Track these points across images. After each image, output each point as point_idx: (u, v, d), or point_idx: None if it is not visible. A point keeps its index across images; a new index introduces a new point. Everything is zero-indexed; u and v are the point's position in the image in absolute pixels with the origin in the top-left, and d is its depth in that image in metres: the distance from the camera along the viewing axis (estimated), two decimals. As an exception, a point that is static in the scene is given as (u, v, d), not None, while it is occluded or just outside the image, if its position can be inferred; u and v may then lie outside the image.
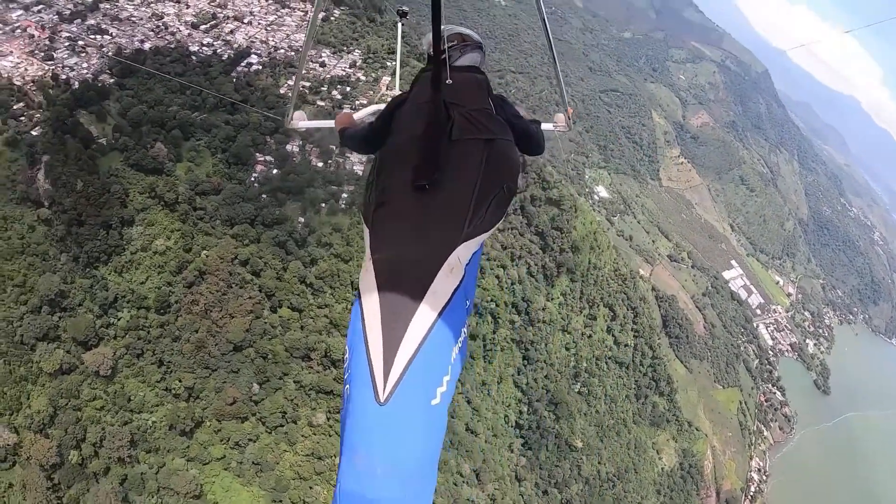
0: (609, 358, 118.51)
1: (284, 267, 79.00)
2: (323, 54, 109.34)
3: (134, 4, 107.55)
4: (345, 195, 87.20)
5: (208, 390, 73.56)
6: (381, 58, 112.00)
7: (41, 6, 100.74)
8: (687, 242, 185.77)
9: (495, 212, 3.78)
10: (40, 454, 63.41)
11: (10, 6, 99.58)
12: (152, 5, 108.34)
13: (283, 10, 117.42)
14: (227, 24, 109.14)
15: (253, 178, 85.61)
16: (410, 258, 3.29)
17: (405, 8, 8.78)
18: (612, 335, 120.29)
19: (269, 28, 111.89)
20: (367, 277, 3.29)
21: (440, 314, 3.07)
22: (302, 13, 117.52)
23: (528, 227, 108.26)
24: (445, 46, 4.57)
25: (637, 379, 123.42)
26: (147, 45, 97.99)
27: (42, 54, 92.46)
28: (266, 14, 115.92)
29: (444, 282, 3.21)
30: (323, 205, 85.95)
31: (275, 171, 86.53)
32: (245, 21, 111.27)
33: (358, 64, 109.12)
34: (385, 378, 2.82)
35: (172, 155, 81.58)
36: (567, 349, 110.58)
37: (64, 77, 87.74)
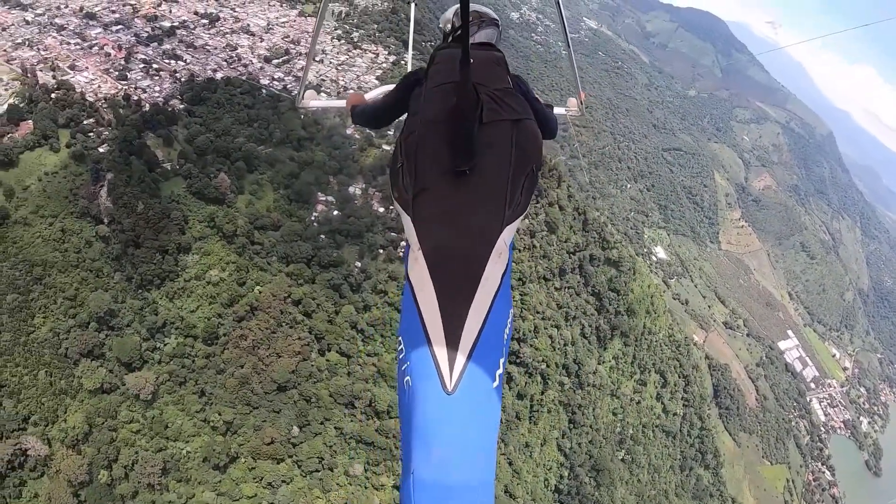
0: (656, 426, 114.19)
1: (337, 310, 77.41)
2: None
3: (209, 34, 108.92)
4: (403, 243, 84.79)
5: (247, 427, 71.66)
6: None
7: (120, 26, 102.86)
8: (743, 309, 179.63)
9: (528, 192, 3.73)
10: (70, 469, 63.01)
11: (90, 23, 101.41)
12: (227, 36, 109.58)
13: (354, 52, 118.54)
14: (298, 60, 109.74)
15: (313, 218, 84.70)
16: (461, 247, 3.25)
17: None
18: (662, 403, 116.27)
19: (339, 68, 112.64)
20: (419, 268, 3.22)
21: (493, 300, 3.09)
22: (373, 55, 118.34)
23: (584, 287, 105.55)
24: (469, 29, 4.34)
25: (683, 450, 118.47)
26: (219, 75, 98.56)
27: (116, 73, 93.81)
28: (338, 53, 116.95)
29: (494, 267, 3.20)
30: (381, 251, 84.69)
31: (335, 212, 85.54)
32: (317, 59, 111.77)
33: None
34: (451, 369, 2.83)
35: (235, 186, 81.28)
36: (614, 414, 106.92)
37: (135, 98, 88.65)
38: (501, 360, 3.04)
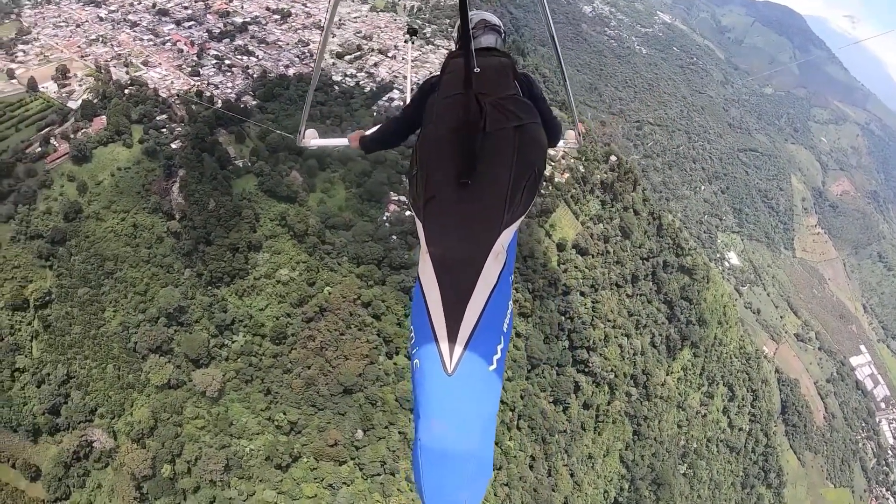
0: (721, 441, 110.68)
1: (406, 314, 75.45)
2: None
3: (281, 29, 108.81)
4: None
5: (311, 428, 70.93)
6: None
7: (192, 23, 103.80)
8: (816, 321, 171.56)
9: (528, 195, 3.98)
10: (134, 463, 63.74)
11: (163, 20, 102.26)
12: (299, 31, 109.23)
13: (427, 48, 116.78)
14: (371, 56, 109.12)
15: (385, 218, 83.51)
16: (462, 250, 3.57)
17: (415, 25, 8.53)
18: (728, 417, 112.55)
19: (412, 64, 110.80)
20: (426, 268, 3.58)
21: (490, 294, 3.44)
22: (446, 51, 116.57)
23: (656, 295, 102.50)
24: (472, 45, 4.25)
25: (746, 467, 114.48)
26: (291, 71, 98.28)
27: (189, 69, 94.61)
28: (411, 50, 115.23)
29: (492, 267, 3.53)
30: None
31: (407, 212, 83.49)
32: (389, 55, 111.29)
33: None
34: (451, 353, 3.20)
35: (307, 184, 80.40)
36: (679, 427, 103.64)
37: (208, 94, 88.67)
38: (500, 347, 3.37)
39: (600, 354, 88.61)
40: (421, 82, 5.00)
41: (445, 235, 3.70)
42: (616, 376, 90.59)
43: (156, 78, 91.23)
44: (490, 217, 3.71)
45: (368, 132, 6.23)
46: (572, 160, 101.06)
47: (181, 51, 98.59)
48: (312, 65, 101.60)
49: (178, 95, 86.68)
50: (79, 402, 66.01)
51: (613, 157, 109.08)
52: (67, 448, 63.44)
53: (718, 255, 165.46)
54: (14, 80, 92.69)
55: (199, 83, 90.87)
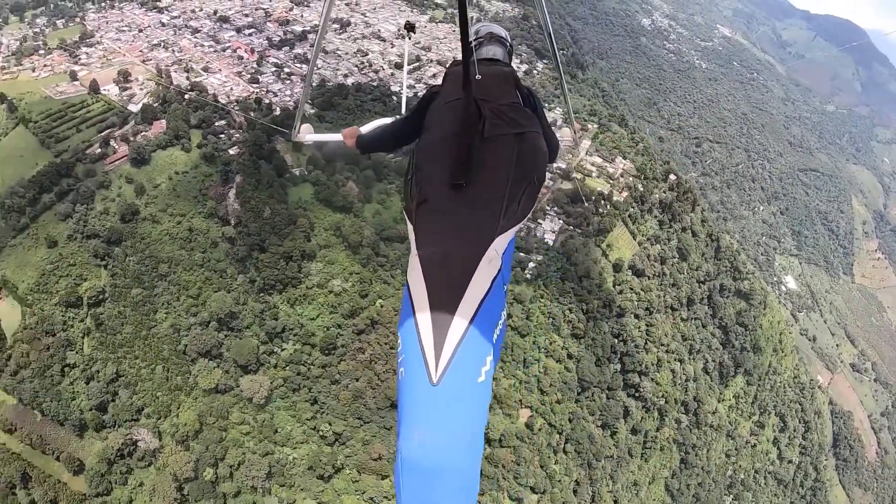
0: (769, 472, 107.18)
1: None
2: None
3: (341, 38, 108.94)
4: (532, 264, 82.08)
5: (356, 440, 70.22)
6: (581, 119, 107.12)
7: (253, 30, 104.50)
8: (873, 351, 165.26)
9: (527, 203, 3.96)
10: (177, 464, 64.08)
11: (224, 27, 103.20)
12: (358, 41, 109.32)
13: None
14: (429, 67, 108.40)
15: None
16: (452, 254, 3.46)
17: (413, 21, 8.32)
18: (778, 448, 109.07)
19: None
20: (415, 273, 3.46)
21: (482, 302, 3.27)
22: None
23: (711, 319, 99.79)
24: (473, 46, 4.96)
25: (793, 501, 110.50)
26: (350, 80, 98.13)
27: (248, 76, 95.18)
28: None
29: (484, 273, 3.38)
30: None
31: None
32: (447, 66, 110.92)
33: (558, 123, 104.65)
34: (437, 361, 3.04)
35: (363, 195, 79.87)
36: (727, 456, 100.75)
37: (267, 102, 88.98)
38: (489, 358, 3.19)
39: (652, 379, 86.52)
40: (424, 92, 4.88)
41: (437, 238, 3.61)
42: (667, 402, 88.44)
43: (216, 84, 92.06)
44: (484, 221, 3.63)
45: (365, 130, 6.28)
46: (631, 178, 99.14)
47: (241, 58, 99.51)
48: (371, 74, 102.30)
49: (236, 102, 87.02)
50: (126, 400, 66.48)
51: (672, 176, 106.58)
52: (112, 445, 63.83)
53: (775, 279, 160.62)
54: (77, 82, 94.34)
55: (258, 90, 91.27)
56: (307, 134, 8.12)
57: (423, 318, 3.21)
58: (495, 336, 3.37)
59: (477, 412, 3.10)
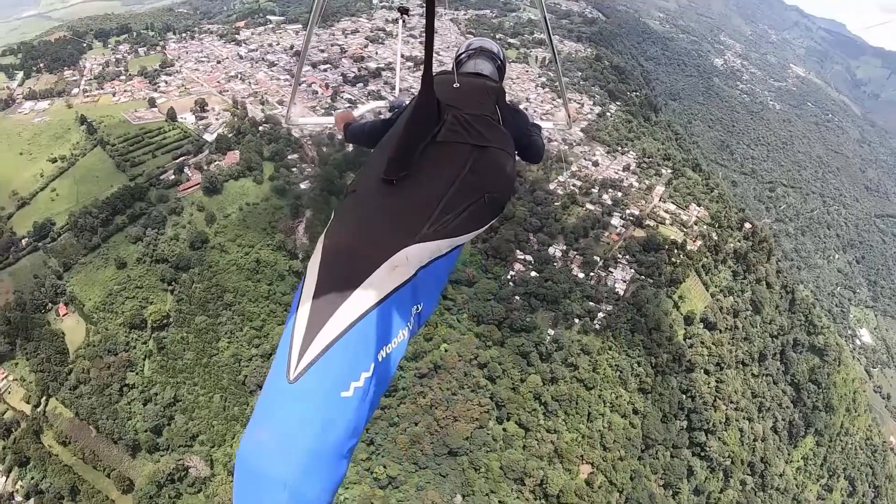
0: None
1: (522, 379, 72.77)
2: (596, 153, 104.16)
3: (414, 76, 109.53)
4: (601, 314, 79.42)
5: (409, 485, 68.16)
6: (655, 163, 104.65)
7: (328, 66, 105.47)
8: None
9: (468, 220, 3.68)
10: (227, 494, 62.73)
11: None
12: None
13: (558, 101, 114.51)
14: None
15: (509, 277, 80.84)
16: (354, 248, 3.26)
17: (407, 4, 7.83)
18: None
19: (543, 117, 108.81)
20: (314, 260, 3.30)
21: (371, 308, 3.00)
22: (577, 104, 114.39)
23: (783, 376, 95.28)
24: (461, 58, 5.43)
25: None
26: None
27: (322, 111, 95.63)
28: (542, 102, 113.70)
29: (384, 278, 3.12)
30: (577, 320, 79.00)
31: (533, 273, 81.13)
32: (522, 107, 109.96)
33: (631, 167, 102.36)
34: (299, 358, 2.79)
35: (430, 236, 79.17)
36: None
37: (339, 137, 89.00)
38: (366, 376, 2.83)
39: (718, 438, 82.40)
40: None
41: (345, 228, 3.43)
42: (732, 462, 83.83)
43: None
44: (402, 223, 3.37)
45: (356, 119, 6.03)
46: (705, 226, 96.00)
47: (316, 92, 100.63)
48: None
49: (310, 136, 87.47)
50: (182, 426, 66.65)
51: (748, 224, 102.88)
52: (164, 469, 63.76)
53: (850, 332, 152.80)
54: (155, 109, 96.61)
55: (331, 126, 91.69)
56: (299, 117, 8.21)
57: (304, 309, 2.95)
58: (382, 354, 2.96)
59: (332, 428, 2.69)
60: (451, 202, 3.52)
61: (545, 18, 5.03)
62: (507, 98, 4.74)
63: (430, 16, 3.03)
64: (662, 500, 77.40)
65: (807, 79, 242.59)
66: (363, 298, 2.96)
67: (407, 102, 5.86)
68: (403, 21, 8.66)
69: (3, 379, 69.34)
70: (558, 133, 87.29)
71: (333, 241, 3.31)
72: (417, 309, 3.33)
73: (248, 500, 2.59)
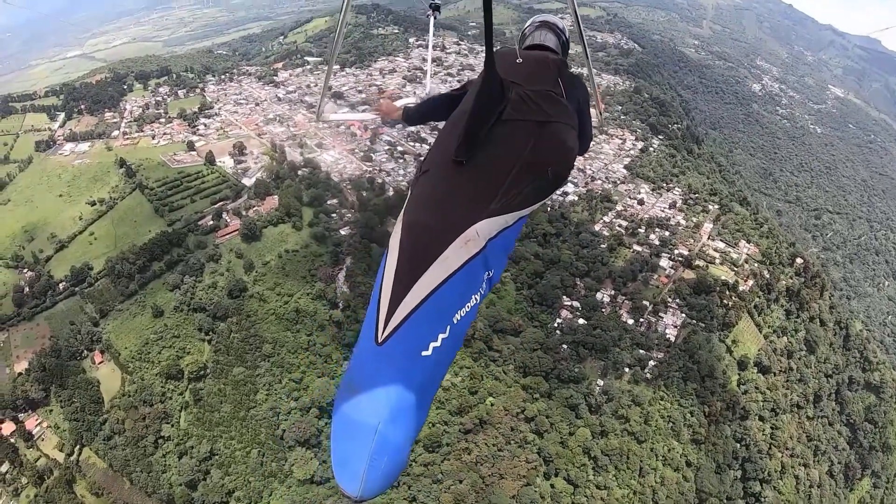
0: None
1: (571, 432, 69.80)
2: (641, 190, 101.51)
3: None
4: (652, 363, 76.42)
5: (455, 548, 65.42)
6: (702, 199, 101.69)
7: (366, 107, 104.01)
8: None
9: (533, 194, 3.94)
10: None
11: (338, 103, 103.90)
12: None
13: (600, 137, 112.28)
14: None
15: (556, 325, 78.23)
16: (431, 224, 3.56)
17: (437, 0, 8.13)
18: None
19: (585, 155, 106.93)
20: (395, 234, 3.62)
21: (447, 279, 3.35)
22: (619, 140, 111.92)
23: (838, 416, 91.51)
24: (524, 33, 5.59)
25: None
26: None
27: (361, 154, 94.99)
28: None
29: (457, 251, 3.44)
30: (627, 369, 75.95)
31: (581, 320, 78.38)
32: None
33: (678, 205, 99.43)
34: (386, 323, 3.19)
35: (475, 284, 77.14)
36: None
37: (379, 181, 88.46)
38: (443, 337, 3.26)
39: (774, 487, 78.62)
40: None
41: (422, 206, 3.70)
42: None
43: (328, 161, 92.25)
44: (473, 200, 3.63)
45: (410, 103, 6.04)
46: (756, 264, 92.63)
47: (354, 135, 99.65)
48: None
49: (349, 180, 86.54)
50: (217, 481, 64.52)
51: (799, 260, 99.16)
52: (197, 526, 62.00)
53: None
54: (194, 152, 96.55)
55: (371, 169, 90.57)
56: (331, 113, 7.66)
57: (388, 279, 3.30)
58: (457, 318, 3.36)
59: (415, 383, 3.09)
60: (517, 178, 3.73)
61: (576, 13, 5.24)
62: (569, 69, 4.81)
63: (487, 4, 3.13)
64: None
65: (846, 99, 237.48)
66: (439, 270, 3.30)
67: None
68: (435, 17, 8.79)
69: (37, 425, 68.56)
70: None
71: (411, 218, 3.62)
72: (489, 275, 3.69)
73: (344, 445, 2.99)
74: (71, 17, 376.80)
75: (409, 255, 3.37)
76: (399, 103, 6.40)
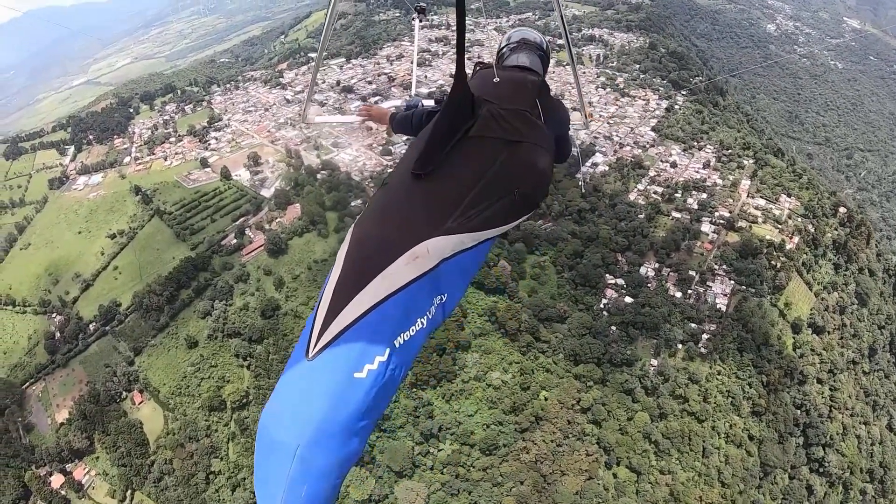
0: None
1: (629, 418, 67.64)
2: (672, 152, 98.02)
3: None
4: (706, 336, 73.77)
5: (521, 552, 63.84)
6: (736, 154, 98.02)
7: (378, 97, 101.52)
8: None
9: (497, 216, 3.73)
10: None
11: (349, 97, 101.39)
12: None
13: (623, 100, 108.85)
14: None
15: (602, 306, 75.88)
16: (379, 237, 3.38)
17: (423, 3, 8.04)
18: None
19: (610, 121, 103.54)
20: (343, 246, 3.46)
21: (389, 296, 3.13)
22: (643, 101, 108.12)
23: (895, 367, 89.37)
24: (503, 53, 5.34)
25: None
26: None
27: (380, 148, 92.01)
28: (605, 104, 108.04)
29: (404, 267, 3.23)
30: (680, 346, 73.13)
31: (627, 298, 75.90)
32: (591, 119, 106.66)
33: (712, 164, 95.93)
34: (318, 337, 2.98)
35: (515, 273, 74.78)
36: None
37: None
38: (379, 359, 2.98)
39: (836, 450, 76.20)
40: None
41: (373, 219, 3.55)
42: (851, 473, 77.60)
43: (347, 160, 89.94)
44: (428, 215, 3.46)
45: (399, 110, 5.93)
46: (799, 219, 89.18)
47: (370, 128, 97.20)
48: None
49: (370, 177, 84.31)
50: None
51: (842, 209, 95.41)
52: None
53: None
54: (208, 168, 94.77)
55: (391, 162, 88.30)
56: (316, 116, 8.29)
57: (328, 291, 3.15)
58: (398, 341, 3.09)
59: (343, 406, 2.85)
60: (478, 197, 3.55)
61: (562, 17, 5.18)
62: (552, 93, 4.66)
63: (460, 10, 3.14)
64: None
65: (864, 31, 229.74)
66: (381, 286, 3.08)
67: (422, 102, 6.52)
68: (420, 20, 8.49)
69: (85, 474, 68.07)
70: (575, 133, 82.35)
71: (360, 230, 3.43)
72: (441, 299, 3.41)
73: (265, 465, 2.82)
74: (72, 44, 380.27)
75: (351, 268, 3.19)
76: (387, 105, 6.23)
